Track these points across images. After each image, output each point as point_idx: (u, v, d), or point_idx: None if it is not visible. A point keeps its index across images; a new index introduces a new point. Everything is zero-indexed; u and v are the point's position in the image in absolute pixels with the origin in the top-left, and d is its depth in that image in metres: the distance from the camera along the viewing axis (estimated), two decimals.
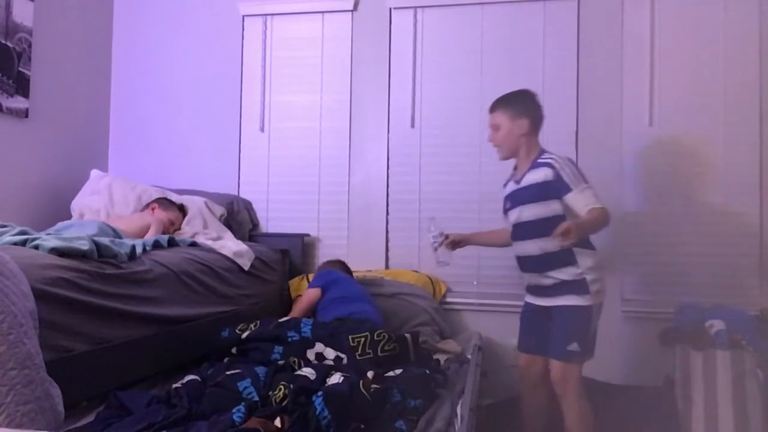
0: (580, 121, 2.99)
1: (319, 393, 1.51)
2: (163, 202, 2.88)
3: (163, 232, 2.64)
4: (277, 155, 3.32)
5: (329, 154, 3.27)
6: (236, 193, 3.31)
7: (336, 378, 1.63)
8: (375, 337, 1.92)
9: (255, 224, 3.27)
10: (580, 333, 2.09)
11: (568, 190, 2.08)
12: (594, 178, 2.92)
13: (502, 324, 3.01)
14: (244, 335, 1.99)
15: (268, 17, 3.36)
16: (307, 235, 3.24)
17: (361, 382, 1.60)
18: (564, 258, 2.11)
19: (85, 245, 1.76)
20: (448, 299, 3.06)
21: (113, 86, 3.52)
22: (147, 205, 2.89)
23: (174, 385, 1.68)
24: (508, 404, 2.71)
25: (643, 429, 2.40)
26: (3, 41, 2.72)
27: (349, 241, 3.22)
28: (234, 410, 1.45)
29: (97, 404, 1.66)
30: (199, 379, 1.76)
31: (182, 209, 2.92)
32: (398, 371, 1.80)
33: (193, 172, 3.37)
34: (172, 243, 2.39)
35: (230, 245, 2.68)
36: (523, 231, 2.22)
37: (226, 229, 2.97)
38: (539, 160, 2.17)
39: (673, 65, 2.91)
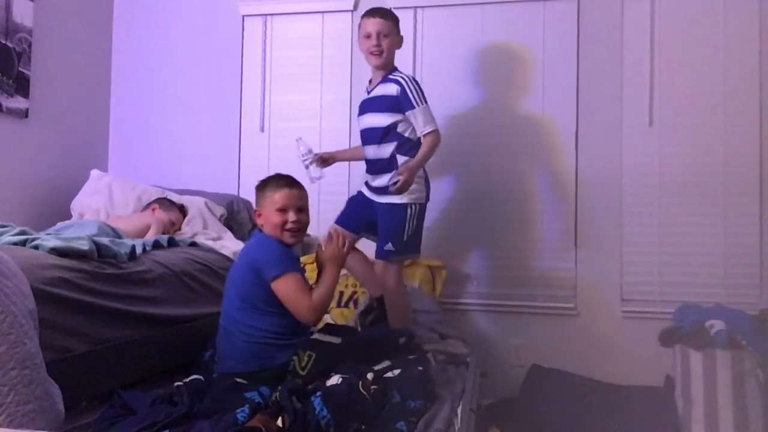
0: (580, 121, 2.99)
1: (318, 393, 1.51)
2: (164, 203, 2.88)
3: (164, 233, 2.64)
4: (277, 155, 3.31)
5: None
6: (236, 193, 3.30)
7: (335, 379, 1.63)
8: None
9: (255, 224, 3.26)
10: (395, 233, 2.36)
11: (411, 106, 2.35)
12: (594, 178, 2.97)
13: (501, 324, 3.01)
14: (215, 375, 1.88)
15: (268, 17, 3.36)
16: (307, 235, 3.22)
17: (360, 383, 1.60)
18: (390, 165, 2.39)
19: (85, 245, 1.76)
20: (448, 299, 3.05)
21: (113, 86, 3.51)
22: (147, 206, 2.89)
23: (176, 384, 1.68)
24: (508, 404, 2.71)
25: (643, 429, 2.40)
26: (3, 41, 2.72)
27: None
28: (238, 410, 1.46)
29: (97, 404, 1.66)
30: (203, 379, 1.76)
31: (182, 210, 2.92)
32: (396, 371, 1.79)
33: (193, 172, 3.37)
34: (172, 243, 2.39)
35: (230, 245, 2.68)
36: (367, 136, 2.49)
37: (226, 229, 2.97)
38: (390, 76, 2.43)
39: (673, 65, 2.91)
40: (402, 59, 3.17)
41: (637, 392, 2.59)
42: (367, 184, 2.56)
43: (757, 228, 2.79)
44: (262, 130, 3.35)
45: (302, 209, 1.98)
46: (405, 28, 3.19)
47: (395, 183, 2.25)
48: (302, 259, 2.92)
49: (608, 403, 2.54)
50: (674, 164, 2.89)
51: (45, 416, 1.23)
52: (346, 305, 2.82)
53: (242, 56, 3.38)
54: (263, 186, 2.00)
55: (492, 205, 3.05)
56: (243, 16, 3.38)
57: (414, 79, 2.42)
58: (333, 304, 2.71)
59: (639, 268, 2.90)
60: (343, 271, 2.86)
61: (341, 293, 2.85)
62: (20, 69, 2.83)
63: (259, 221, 2.03)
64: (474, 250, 3.06)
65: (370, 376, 1.66)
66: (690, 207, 2.86)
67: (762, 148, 2.81)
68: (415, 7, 3.19)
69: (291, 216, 1.92)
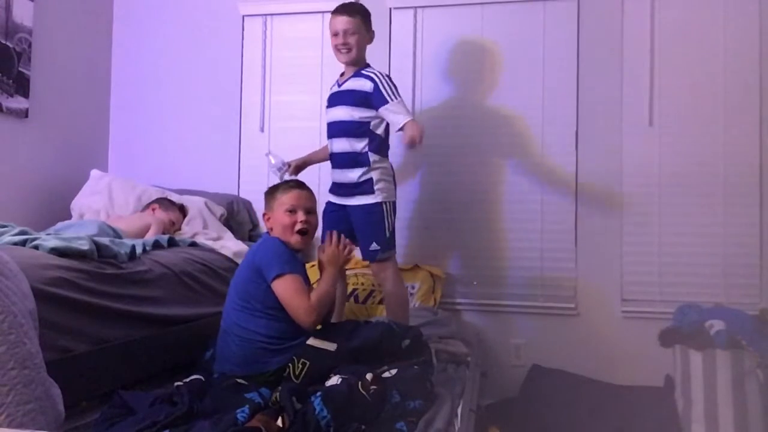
0: (580, 121, 2.99)
1: (318, 393, 1.51)
2: (164, 203, 2.89)
3: (164, 233, 2.64)
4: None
5: None
6: (236, 193, 3.30)
7: (335, 380, 1.63)
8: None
9: (255, 224, 3.26)
10: (377, 232, 2.36)
11: (384, 102, 2.31)
12: (594, 178, 2.97)
13: (502, 324, 3.01)
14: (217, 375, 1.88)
15: (268, 17, 3.36)
16: None
17: (359, 383, 1.60)
18: (361, 160, 2.39)
19: (85, 245, 1.76)
20: (448, 299, 3.05)
21: (113, 86, 3.51)
22: (147, 206, 2.89)
23: (176, 384, 1.68)
24: (508, 404, 2.71)
25: (643, 429, 2.40)
26: (3, 41, 2.72)
27: None
28: (238, 410, 1.46)
29: (97, 404, 1.66)
30: (203, 379, 1.76)
31: (182, 210, 2.92)
32: (393, 371, 1.79)
33: (193, 172, 3.37)
34: (172, 243, 2.39)
35: (230, 245, 2.68)
36: (335, 128, 2.48)
37: (226, 229, 2.97)
38: (363, 71, 2.42)
39: (673, 65, 2.91)
40: (402, 59, 3.19)
41: (637, 392, 2.59)
42: (333, 189, 2.52)
43: (757, 228, 2.79)
44: (262, 130, 3.35)
45: (311, 211, 2.03)
46: (405, 28, 3.21)
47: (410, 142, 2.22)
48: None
49: (608, 403, 2.54)
50: (674, 164, 2.89)
51: (45, 416, 1.23)
52: (347, 300, 2.84)
53: (242, 56, 3.38)
54: (273, 190, 2.06)
55: (491, 205, 3.05)
56: (243, 16, 3.38)
57: (388, 76, 2.40)
58: None
59: (639, 268, 2.90)
60: (352, 271, 2.85)
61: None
62: (20, 69, 2.83)
63: (267, 225, 2.05)
64: (474, 251, 3.06)
65: (369, 376, 1.66)
66: (690, 207, 2.86)
67: (762, 148, 2.81)
68: (415, 7, 3.19)
69: (300, 216, 1.97)
